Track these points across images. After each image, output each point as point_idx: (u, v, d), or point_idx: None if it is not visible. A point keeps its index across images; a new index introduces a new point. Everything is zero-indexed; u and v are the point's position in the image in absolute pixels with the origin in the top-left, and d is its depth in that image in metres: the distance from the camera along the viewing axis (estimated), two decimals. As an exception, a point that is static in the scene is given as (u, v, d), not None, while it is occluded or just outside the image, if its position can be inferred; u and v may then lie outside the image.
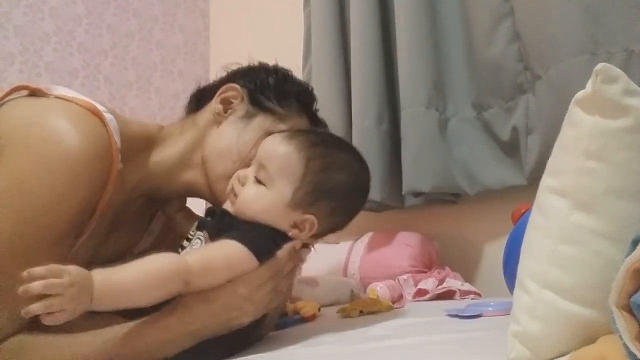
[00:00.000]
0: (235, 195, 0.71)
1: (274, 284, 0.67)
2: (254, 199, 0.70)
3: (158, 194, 0.80)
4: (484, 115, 1.17)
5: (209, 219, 0.72)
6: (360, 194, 0.77)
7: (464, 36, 1.18)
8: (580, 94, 0.49)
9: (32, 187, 0.59)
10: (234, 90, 0.79)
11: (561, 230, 0.48)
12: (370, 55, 1.27)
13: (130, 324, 0.62)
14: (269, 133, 0.76)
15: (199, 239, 0.70)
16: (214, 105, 0.79)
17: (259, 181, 0.70)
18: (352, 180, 0.74)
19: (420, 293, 1.09)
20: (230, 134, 0.77)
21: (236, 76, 0.82)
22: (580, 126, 0.48)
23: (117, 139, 0.67)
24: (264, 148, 0.72)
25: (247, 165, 0.75)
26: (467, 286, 1.09)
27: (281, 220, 0.70)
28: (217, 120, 0.78)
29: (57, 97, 0.67)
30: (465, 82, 1.19)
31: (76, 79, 1.76)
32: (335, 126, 1.33)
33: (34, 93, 0.68)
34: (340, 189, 0.72)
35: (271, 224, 0.69)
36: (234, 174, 0.74)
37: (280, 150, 0.70)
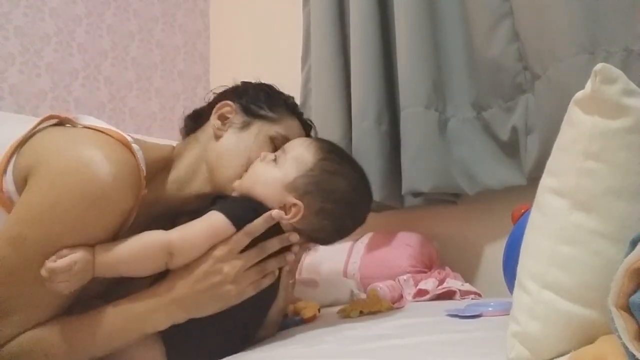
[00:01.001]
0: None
1: (257, 258, 0.70)
2: (262, 170, 0.77)
3: (173, 208, 0.85)
4: (483, 115, 1.17)
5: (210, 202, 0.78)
6: (352, 210, 0.80)
7: (464, 36, 1.18)
8: (579, 94, 0.49)
9: (63, 212, 0.63)
10: (228, 106, 0.86)
11: (561, 231, 0.48)
12: (370, 55, 1.27)
13: (121, 300, 0.67)
14: (268, 135, 0.84)
15: None
16: (213, 121, 0.86)
17: (274, 162, 0.78)
18: (352, 194, 0.78)
19: (421, 293, 1.09)
20: (232, 142, 0.84)
21: (225, 96, 0.89)
22: (579, 126, 0.48)
23: (143, 167, 0.71)
24: (291, 140, 0.82)
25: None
26: (467, 286, 1.09)
27: (274, 196, 0.74)
28: (218, 135, 0.85)
29: (86, 127, 0.71)
30: (464, 82, 1.19)
31: (76, 80, 1.76)
32: (335, 126, 1.34)
33: (63, 122, 0.73)
34: (337, 194, 0.76)
35: (263, 197, 0.75)
36: (240, 176, 0.80)
37: (302, 143, 0.80)
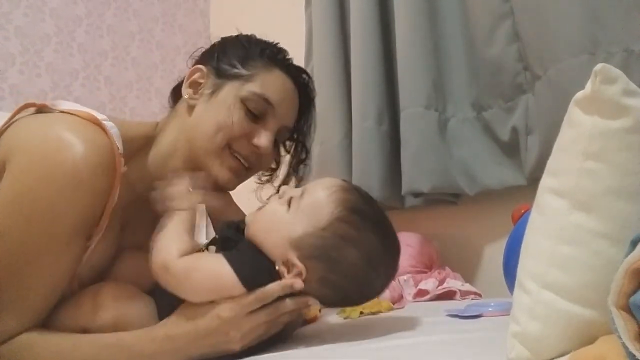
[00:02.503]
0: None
1: (267, 318, 0.65)
2: (270, 212, 0.69)
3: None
4: (483, 115, 1.17)
5: (223, 232, 0.72)
6: (360, 286, 0.68)
7: (464, 36, 1.18)
8: (579, 94, 0.49)
9: (37, 195, 0.63)
10: (198, 71, 0.81)
11: (561, 231, 0.48)
12: (370, 55, 1.27)
13: (125, 333, 0.65)
14: (238, 97, 0.77)
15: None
16: (184, 90, 0.81)
17: (288, 205, 0.68)
18: (363, 269, 0.66)
19: (421, 293, 1.09)
20: (204, 110, 0.78)
21: (201, 59, 0.85)
22: (579, 126, 0.48)
23: (119, 144, 0.70)
24: (318, 181, 0.70)
25: (232, 135, 0.77)
26: (467, 286, 1.09)
27: (276, 248, 0.66)
28: (191, 104, 0.80)
29: (61, 111, 0.70)
30: (464, 83, 1.19)
31: (76, 80, 1.76)
32: (335, 126, 1.34)
33: (40, 110, 0.72)
34: (345, 266, 0.65)
35: (266, 245, 0.67)
36: (218, 147, 0.76)
37: (326, 189, 0.68)
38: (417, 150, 1.16)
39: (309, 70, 1.47)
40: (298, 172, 0.93)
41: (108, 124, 0.70)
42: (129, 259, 0.77)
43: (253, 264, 0.66)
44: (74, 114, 0.69)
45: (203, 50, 0.87)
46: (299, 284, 0.64)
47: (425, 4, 1.19)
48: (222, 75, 0.79)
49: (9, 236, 0.63)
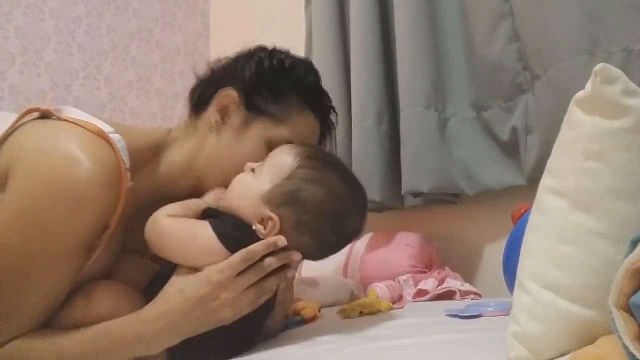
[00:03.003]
0: None
1: (256, 278, 0.66)
2: (238, 181, 0.72)
3: (169, 198, 0.80)
4: (483, 115, 1.17)
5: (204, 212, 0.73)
6: (334, 223, 0.70)
7: (464, 36, 1.19)
8: (579, 94, 0.49)
9: (40, 211, 0.62)
10: (229, 97, 0.78)
11: (561, 231, 0.48)
12: (370, 56, 1.27)
13: (113, 321, 0.64)
14: (268, 141, 0.76)
15: None
16: (212, 115, 0.78)
17: (253, 171, 0.72)
18: (331, 204, 0.69)
19: (421, 294, 1.09)
20: (227, 145, 0.77)
21: (230, 73, 0.80)
22: (579, 127, 0.48)
23: (125, 159, 0.68)
24: (274, 150, 0.74)
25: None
26: (467, 287, 1.09)
27: (250, 208, 0.69)
28: (217, 127, 0.78)
29: (66, 120, 0.69)
30: (464, 83, 1.19)
31: (77, 80, 1.76)
32: (334, 126, 1.34)
33: (45, 116, 0.70)
34: (312, 204, 0.68)
35: (240, 210, 0.69)
36: (229, 183, 0.75)
37: (283, 149, 0.72)
38: (417, 150, 1.16)
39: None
40: None
41: (115, 137, 0.68)
42: (123, 260, 0.77)
43: (233, 228, 0.68)
44: (80, 125, 0.67)
45: (227, 62, 0.82)
46: (282, 241, 0.66)
47: (425, 4, 1.19)
48: (254, 110, 0.77)
49: (10, 250, 0.62)
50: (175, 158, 0.78)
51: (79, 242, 0.64)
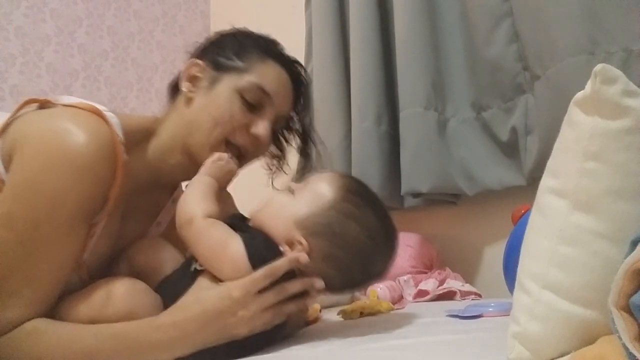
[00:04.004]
0: None
1: (276, 299, 0.65)
2: (275, 200, 0.72)
3: (162, 180, 0.84)
4: (483, 115, 1.17)
5: (230, 220, 0.73)
6: (364, 263, 0.70)
7: (463, 37, 1.19)
8: (579, 94, 0.49)
9: (42, 181, 0.65)
10: (195, 65, 0.83)
11: (561, 231, 0.48)
12: (370, 56, 1.27)
13: (130, 323, 0.65)
14: (239, 90, 0.79)
15: None
16: (182, 84, 0.83)
17: (292, 192, 0.71)
18: (366, 243, 0.68)
19: (421, 294, 1.09)
20: (202, 103, 0.80)
21: (197, 53, 0.86)
22: (579, 127, 0.48)
23: (119, 132, 0.72)
24: (318, 174, 0.74)
25: (231, 128, 0.78)
26: (467, 287, 1.09)
27: (282, 230, 0.68)
28: (190, 97, 0.82)
29: (63, 105, 0.72)
30: (464, 83, 1.19)
31: (77, 80, 1.76)
32: (335, 127, 1.34)
33: (43, 105, 0.74)
34: (347, 240, 0.67)
35: (271, 228, 0.69)
36: (216, 140, 0.78)
37: (327, 177, 0.72)
38: (416, 150, 1.16)
39: (308, 71, 1.48)
40: (308, 157, 0.95)
41: (108, 114, 0.72)
42: (145, 247, 0.79)
43: (263, 247, 0.67)
44: (75, 106, 0.71)
45: (199, 44, 0.88)
46: (304, 257, 0.66)
47: (425, 4, 1.20)
48: (220, 68, 0.81)
49: (15, 223, 0.64)
50: (162, 138, 0.82)
51: (80, 208, 0.67)
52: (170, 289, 0.70)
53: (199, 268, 0.70)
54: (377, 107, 1.25)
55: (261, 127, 0.80)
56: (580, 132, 0.48)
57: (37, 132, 0.68)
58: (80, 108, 0.71)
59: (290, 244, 0.68)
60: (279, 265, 0.65)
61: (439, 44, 1.21)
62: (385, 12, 1.30)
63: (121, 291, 0.68)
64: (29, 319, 0.65)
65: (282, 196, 0.72)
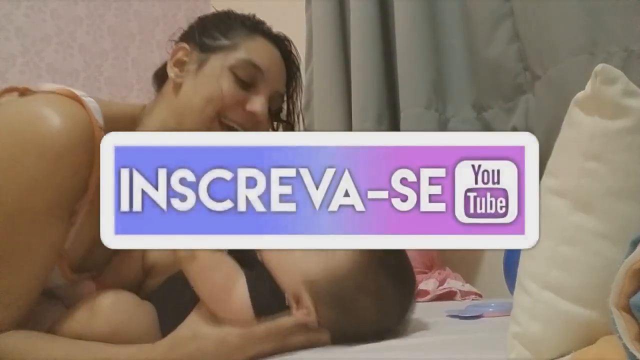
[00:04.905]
0: None
1: (276, 346, 0.62)
2: (286, 251, 0.65)
3: None
4: (483, 115, 1.17)
5: None
6: (371, 326, 0.65)
7: (464, 36, 1.18)
8: (579, 94, 0.49)
9: (16, 168, 0.62)
10: (181, 50, 0.80)
11: (561, 231, 0.48)
12: (370, 56, 1.27)
13: (121, 350, 0.62)
14: (226, 67, 0.76)
15: None
16: (170, 70, 0.80)
17: None
18: (376, 320, 0.65)
19: (421, 294, 1.09)
20: (192, 87, 0.77)
21: (181, 38, 0.84)
22: (580, 127, 0.48)
23: (99, 118, 0.69)
24: None
25: (224, 105, 0.74)
26: (467, 287, 1.09)
27: (289, 284, 0.63)
28: (178, 83, 0.78)
29: (41, 91, 0.70)
30: (465, 83, 1.19)
31: (77, 80, 1.76)
32: (335, 127, 1.34)
33: (23, 93, 0.71)
34: (356, 312, 0.63)
35: (277, 277, 0.64)
36: (208, 118, 0.74)
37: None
38: (417, 150, 1.16)
39: (309, 72, 1.48)
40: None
41: (87, 99, 0.69)
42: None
43: (267, 290, 0.64)
44: (52, 92, 0.69)
45: (182, 30, 0.86)
46: (312, 323, 0.62)
47: (425, 4, 1.19)
48: (206, 49, 0.78)
49: None
50: (148, 125, 0.79)
51: (59, 197, 0.64)
52: (166, 298, 0.68)
53: None
54: (377, 107, 1.25)
55: (257, 104, 0.76)
56: (581, 132, 0.48)
57: (10, 119, 0.65)
58: (56, 93, 0.68)
59: (297, 300, 0.63)
60: (283, 325, 0.62)
61: (440, 44, 1.21)
62: (385, 12, 1.30)
63: (106, 307, 0.65)
64: (10, 322, 0.62)
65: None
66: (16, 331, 0.63)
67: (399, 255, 0.68)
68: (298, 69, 0.88)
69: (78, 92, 0.70)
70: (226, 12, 0.85)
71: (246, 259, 0.66)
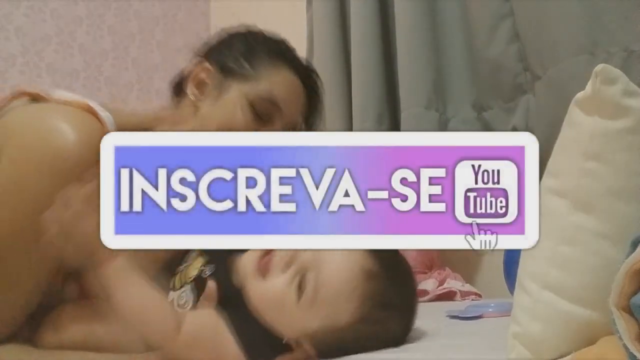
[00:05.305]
0: (263, 274, 0.59)
1: None
2: (277, 300, 0.57)
3: None
4: (484, 115, 1.17)
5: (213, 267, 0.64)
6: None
7: (464, 37, 1.19)
8: (580, 94, 0.49)
9: (28, 185, 0.61)
10: (203, 71, 0.78)
11: (561, 231, 0.48)
12: (370, 56, 1.27)
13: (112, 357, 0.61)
14: (249, 99, 0.74)
15: (184, 293, 0.64)
16: (190, 91, 0.78)
17: (299, 289, 0.57)
18: (377, 348, 0.59)
19: (421, 294, 1.09)
20: (209, 113, 0.75)
21: (205, 53, 0.81)
22: (580, 127, 0.48)
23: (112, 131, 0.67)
24: (333, 259, 0.58)
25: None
26: (467, 287, 1.09)
27: (288, 333, 0.57)
28: (197, 105, 0.77)
29: (55, 100, 0.68)
30: (465, 83, 1.19)
31: (77, 80, 1.76)
32: (335, 127, 1.34)
33: (35, 99, 0.70)
34: (359, 350, 0.58)
35: (276, 326, 0.58)
36: None
37: (345, 285, 0.57)
38: (417, 150, 1.16)
39: (309, 71, 1.48)
40: None
41: (104, 114, 0.68)
42: None
43: (258, 337, 0.58)
44: (67, 103, 0.67)
45: (206, 43, 0.84)
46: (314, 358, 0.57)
47: (425, 5, 1.20)
48: (228, 74, 0.77)
49: (1, 225, 0.60)
50: None
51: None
52: None
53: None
54: (378, 107, 1.25)
55: None
56: (581, 132, 0.48)
57: (23, 130, 0.64)
58: (72, 105, 0.67)
59: (296, 343, 0.57)
60: None
61: (440, 44, 1.21)
62: (385, 12, 1.30)
63: (68, 320, 0.63)
64: (5, 332, 0.61)
65: (285, 294, 0.57)
66: (12, 345, 0.62)
67: (404, 288, 0.63)
68: (321, 100, 0.86)
69: (93, 104, 0.68)
70: (253, 32, 0.82)
71: (228, 297, 0.60)
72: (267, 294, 0.58)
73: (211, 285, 0.62)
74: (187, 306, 0.63)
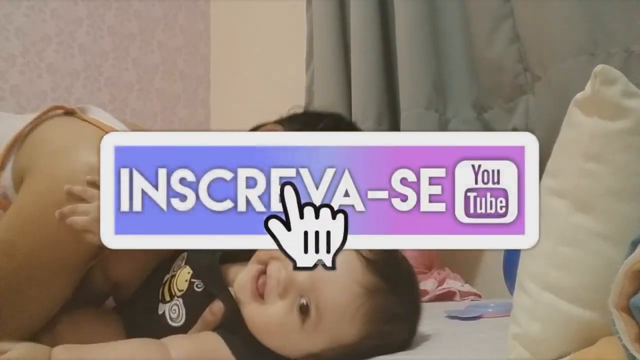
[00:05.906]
0: (261, 296, 0.57)
1: None
2: (279, 325, 0.56)
3: None
4: (484, 116, 1.17)
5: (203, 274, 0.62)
6: None
7: (464, 37, 1.19)
8: (579, 95, 0.49)
9: (51, 221, 0.58)
10: (273, 127, 0.77)
11: (561, 232, 0.48)
12: (370, 57, 1.27)
13: None
14: None
15: (176, 306, 0.63)
16: None
17: (304, 314, 0.55)
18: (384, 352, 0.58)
19: (420, 294, 1.09)
20: None
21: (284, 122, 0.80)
22: (579, 128, 0.48)
23: None
24: (335, 278, 0.54)
25: None
26: (467, 287, 1.09)
27: (286, 353, 0.57)
28: None
29: (89, 121, 0.67)
30: (465, 83, 1.19)
31: (77, 80, 1.76)
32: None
33: (68, 113, 0.69)
34: None
35: (279, 350, 0.57)
36: None
37: (348, 307, 0.56)
38: (417, 151, 1.16)
39: (309, 72, 1.48)
40: None
41: None
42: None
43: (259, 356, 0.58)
44: (101, 128, 0.65)
45: (290, 114, 0.82)
46: None
47: (425, 5, 1.20)
48: None
49: (19, 253, 0.60)
50: None
51: (90, 250, 0.61)
52: (135, 309, 0.66)
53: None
54: (378, 107, 1.25)
55: None
56: (580, 132, 0.48)
57: (56, 156, 0.62)
58: (101, 128, 0.65)
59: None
60: None
61: (440, 44, 1.21)
62: (385, 12, 1.30)
63: (64, 327, 0.63)
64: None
65: (286, 318, 0.56)
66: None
67: (407, 295, 0.61)
68: None
69: (122, 128, 0.66)
70: (314, 109, 0.83)
71: (227, 320, 0.60)
72: (269, 321, 0.56)
73: (218, 306, 0.60)
74: (180, 320, 0.62)
